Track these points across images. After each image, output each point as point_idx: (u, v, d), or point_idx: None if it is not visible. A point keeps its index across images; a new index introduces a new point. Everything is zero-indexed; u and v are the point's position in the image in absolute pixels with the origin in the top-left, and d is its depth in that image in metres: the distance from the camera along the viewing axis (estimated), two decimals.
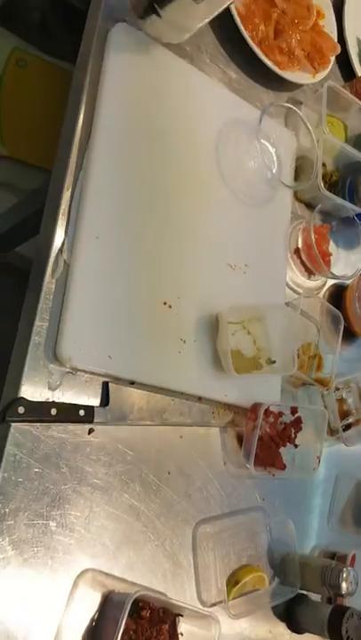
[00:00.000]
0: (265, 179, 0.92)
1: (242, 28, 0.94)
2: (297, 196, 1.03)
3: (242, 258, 0.88)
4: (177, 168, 0.83)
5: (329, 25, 1.10)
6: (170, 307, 0.77)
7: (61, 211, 0.70)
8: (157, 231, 0.79)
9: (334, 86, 1.03)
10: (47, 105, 1.43)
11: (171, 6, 0.74)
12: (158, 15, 0.75)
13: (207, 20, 0.77)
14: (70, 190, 0.72)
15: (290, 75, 1.00)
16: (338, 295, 1.07)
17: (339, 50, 1.09)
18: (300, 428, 0.89)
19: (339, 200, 1.00)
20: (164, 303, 0.77)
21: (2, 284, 1.22)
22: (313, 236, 0.98)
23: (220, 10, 0.75)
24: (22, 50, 1.46)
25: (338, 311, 0.97)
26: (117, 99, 0.78)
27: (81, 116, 0.75)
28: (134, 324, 0.72)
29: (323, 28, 1.09)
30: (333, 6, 1.15)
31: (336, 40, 1.10)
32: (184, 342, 0.77)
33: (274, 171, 0.94)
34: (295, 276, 1.00)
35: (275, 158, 0.96)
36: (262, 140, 0.93)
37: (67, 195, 0.71)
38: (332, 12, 1.12)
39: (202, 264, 0.83)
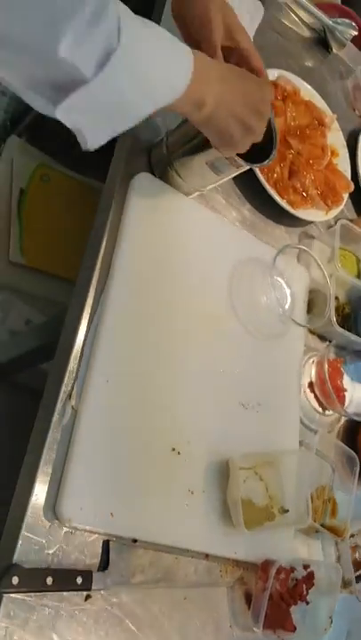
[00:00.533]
0: (278, 314, 0.92)
1: (258, 171, 0.97)
2: (310, 329, 1.03)
3: (255, 396, 0.86)
4: (190, 309, 0.83)
5: (343, 163, 1.14)
6: (179, 453, 0.74)
7: (73, 355, 0.70)
8: (169, 373, 0.77)
9: (347, 224, 1.05)
10: (67, 217, 1.49)
11: (190, 173, 0.77)
12: (179, 176, 0.79)
13: (225, 180, 0.79)
14: (84, 333, 0.71)
15: (303, 213, 1.03)
16: (354, 429, 1.04)
17: (352, 188, 1.12)
18: (313, 584, 0.83)
19: (353, 337, 0.99)
20: (173, 449, 0.74)
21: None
22: (326, 371, 0.96)
23: (239, 173, 0.77)
24: (47, 165, 1.53)
25: (354, 452, 0.94)
26: (135, 241, 0.79)
27: (100, 259, 0.76)
28: (141, 476, 0.69)
29: (337, 166, 1.13)
30: (348, 145, 1.20)
31: (350, 177, 1.14)
32: (192, 493, 0.74)
33: (286, 307, 0.94)
34: (309, 410, 0.97)
35: (288, 294, 0.96)
36: (275, 277, 0.94)
37: (80, 337, 0.71)
38: (347, 150, 1.16)
39: (214, 404, 0.81)
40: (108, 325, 0.72)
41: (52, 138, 1.47)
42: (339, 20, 1.26)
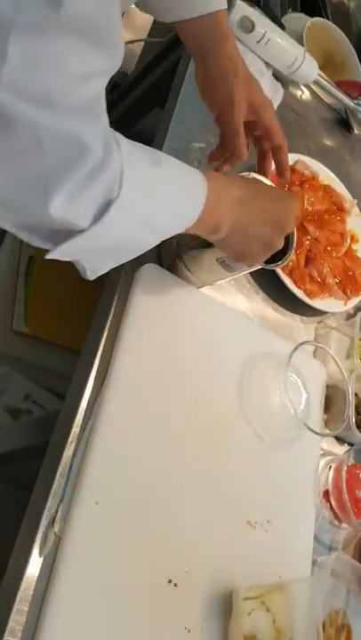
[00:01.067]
0: (291, 417, 0.84)
1: None
2: (329, 428, 0.95)
3: (264, 512, 0.77)
4: (194, 412, 0.76)
5: None
6: (175, 585, 0.65)
7: (59, 471, 0.62)
8: (167, 490, 0.69)
9: None
10: (76, 287, 1.44)
11: (199, 268, 0.73)
12: (188, 270, 0.74)
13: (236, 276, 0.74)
14: (74, 445, 0.64)
15: (320, 303, 0.97)
16: None
17: None
18: None
19: None
20: (169, 581, 0.65)
21: None
22: (344, 479, 0.88)
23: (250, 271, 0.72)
24: None
25: None
26: (138, 337, 0.73)
27: (98, 356, 0.70)
28: (132, 614, 0.61)
29: (356, 252, 1.07)
30: None
31: None
32: (189, 632, 0.65)
33: (301, 408, 0.87)
34: (323, 523, 0.88)
35: (303, 394, 0.89)
36: (289, 374, 0.87)
37: (68, 451, 0.64)
38: None
39: (216, 525, 0.73)
40: (102, 436, 0.65)
41: None
42: None
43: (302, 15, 1.58)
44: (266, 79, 1.06)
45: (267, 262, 0.71)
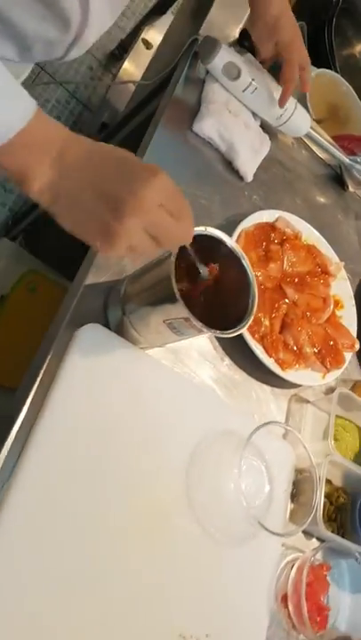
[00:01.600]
0: (248, 510, 0.73)
1: None
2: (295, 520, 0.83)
3: (203, 624, 0.66)
4: (131, 497, 0.65)
5: (348, 317, 0.99)
6: None
7: None
8: (85, 594, 0.58)
9: (348, 394, 0.88)
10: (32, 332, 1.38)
11: (147, 330, 0.64)
12: (135, 330, 0.66)
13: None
14: None
15: (294, 375, 0.86)
16: None
17: (358, 347, 0.96)
18: None
19: (345, 542, 0.78)
20: None
21: None
22: (305, 581, 0.75)
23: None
24: (37, 272, 1.45)
25: None
26: (71, 405, 0.64)
27: (17, 425, 0.61)
28: None
29: (340, 319, 0.98)
30: (356, 295, 1.05)
31: (356, 333, 0.98)
32: None
33: (263, 497, 0.76)
34: (279, 629, 0.76)
35: (265, 479, 0.78)
36: (251, 457, 0.76)
37: None
38: (354, 302, 1.01)
39: (143, 638, 0.61)
40: (6, 529, 0.55)
41: (48, 241, 1.38)
42: (358, 159, 1.16)
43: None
44: (251, 131, 0.99)
45: (223, 329, 0.61)
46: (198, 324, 0.59)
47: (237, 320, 0.63)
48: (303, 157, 1.14)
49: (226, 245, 0.66)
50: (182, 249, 0.59)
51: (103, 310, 0.71)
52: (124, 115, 1.26)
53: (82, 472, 0.62)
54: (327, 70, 1.48)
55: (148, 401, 0.71)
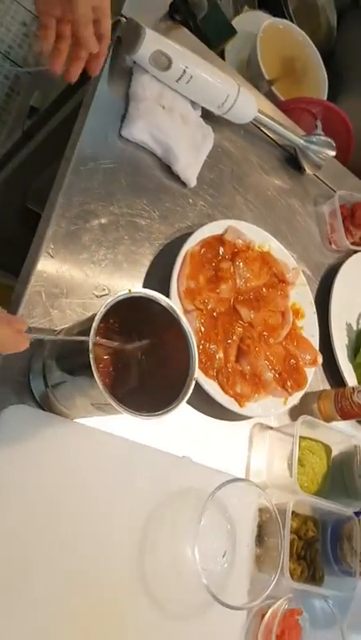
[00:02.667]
0: (207, 577, 0.67)
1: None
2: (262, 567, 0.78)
3: None
4: (79, 582, 0.59)
5: (310, 326, 0.91)
6: None
7: None
8: None
9: (311, 420, 0.82)
10: None
11: (75, 409, 0.56)
12: (63, 407, 0.58)
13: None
14: None
15: (253, 408, 0.79)
16: None
17: (320, 361, 0.89)
18: None
19: (313, 589, 0.74)
20: None
21: None
22: (275, 632, 0.72)
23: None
24: None
25: None
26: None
27: None
28: None
29: (301, 331, 0.90)
30: (317, 299, 0.97)
31: (318, 342, 0.91)
32: None
33: (224, 562, 0.70)
34: None
35: (227, 536, 0.72)
36: (210, 514, 0.70)
37: None
38: (315, 308, 0.93)
39: None
40: None
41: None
42: (314, 139, 1.05)
43: (259, 13, 1.37)
44: (191, 126, 0.87)
45: (167, 386, 0.55)
46: (128, 411, 0.51)
47: (182, 374, 0.56)
48: (253, 143, 1.02)
49: (159, 304, 0.57)
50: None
51: (28, 391, 0.62)
52: (53, 99, 1.12)
53: (21, 566, 0.56)
54: (279, 19, 1.33)
55: (89, 476, 0.63)
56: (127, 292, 0.54)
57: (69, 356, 0.55)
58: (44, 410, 0.62)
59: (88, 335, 0.49)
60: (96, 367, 0.49)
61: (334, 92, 1.35)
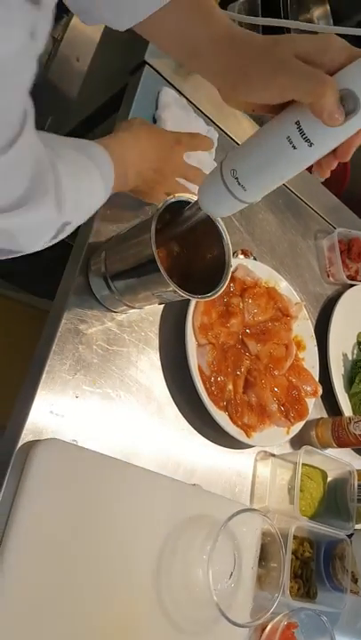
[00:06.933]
0: (216, 595, 0.72)
1: (203, 396, 0.79)
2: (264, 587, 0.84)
3: None
4: (97, 602, 0.64)
5: (310, 357, 0.97)
6: None
7: None
8: None
9: (311, 450, 0.88)
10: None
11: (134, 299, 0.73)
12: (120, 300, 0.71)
13: None
14: None
15: (259, 438, 0.85)
16: None
17: (320, 392, 0.95)
18: None
19: (311, 606, 0.80)
20: None
21: None
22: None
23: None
24: None
25: None
26: (33, 520, 0.60)
27: None
28: None
29: (302, 362, 0.96)
30: (316, 330, 1.03)
31: (318, 372, 0.97)
32: None
33: (230, 582, 0.76)
34: None
35: (234, 560, 0.77)
36: (220, 540, 0.75)
37: None
38: (315, 340, 0.99)
39: None
40: None
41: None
42: None
43: None
44: (205, 168, 0.92)
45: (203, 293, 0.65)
46: (189, 295, 0.62)
47: (219, 264, 0.67)
48: None
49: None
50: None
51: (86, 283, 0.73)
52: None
53: (53, 587, 0.60)
54: None
55: (114, 504, 0.68)
56: (173, 196, 0.64)
57: (133, 253, 0.64)
58: (105, 306, 0.73)
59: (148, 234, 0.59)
60: (160, 260, 0.59)
61: None
